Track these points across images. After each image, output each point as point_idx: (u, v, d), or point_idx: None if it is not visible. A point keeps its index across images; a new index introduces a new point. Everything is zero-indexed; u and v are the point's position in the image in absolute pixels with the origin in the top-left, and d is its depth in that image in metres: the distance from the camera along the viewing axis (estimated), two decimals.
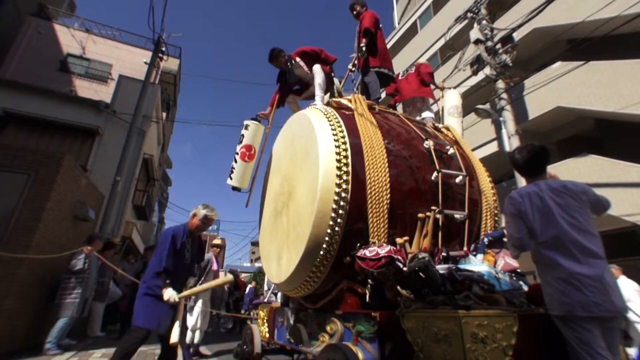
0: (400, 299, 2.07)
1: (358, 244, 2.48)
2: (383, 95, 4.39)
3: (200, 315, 4.97)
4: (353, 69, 4.31)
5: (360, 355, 2.06)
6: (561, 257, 1.77)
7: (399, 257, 2.21)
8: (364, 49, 3.93)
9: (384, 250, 2.24)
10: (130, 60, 13.39)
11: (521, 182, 6.43)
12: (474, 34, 8.35)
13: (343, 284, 2.65)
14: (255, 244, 47.93)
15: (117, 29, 14.60)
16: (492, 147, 9.95)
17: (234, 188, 3.90)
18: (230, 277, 2.89)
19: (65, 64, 12.40)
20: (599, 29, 6.59)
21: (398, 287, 2.16)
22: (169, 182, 25.88)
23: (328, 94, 3.97)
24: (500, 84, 7.94)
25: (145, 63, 10.91)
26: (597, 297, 1.66)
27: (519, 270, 2.58)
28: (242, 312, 10.66)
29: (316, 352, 2.50)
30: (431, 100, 4.60)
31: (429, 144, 3.07)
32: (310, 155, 2.85)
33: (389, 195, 2.60)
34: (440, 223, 2.73)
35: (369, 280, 2.36)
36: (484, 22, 8.43)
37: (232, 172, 3.88)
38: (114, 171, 8.53)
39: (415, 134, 3.23)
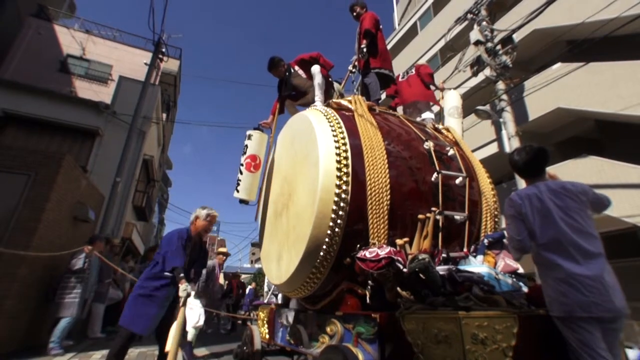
0: (400, 300, 2.07)
1: (358, 245, 2.47)
2: (383, 96, 4.39)
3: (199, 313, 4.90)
4: (353, 70, 4.32)
5: (360, 356, 2.06)
6: (560, 259, 1.77)
7: (399, 258, 2.21)
8: (364, 50, 3.93)
9: (384, 251, 2.23)
10: (130, 61, 13.39)
11: (521, 183, 6.43)
12: (474, 35, 8.35)
13: (343, 285, 2.65)
14: (255, 245, 47.95)
15: (117, 29, 14.65)
16: (492, 148, 9.94)
17: (242, 201, 3.79)
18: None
19: (65, 65, 12.40)
20: (599, 30, 6.60)
21: (398, 289, 2.16)
22: (169, 183, 25.89)
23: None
24: (501, 85, 7.95)
25: (146, 64, 10.92)
26: (596, 297, 1.66)
27: (519, 271, 2.58)
28: (242, 313, 10.67)
29: (316, 353, 2.49)
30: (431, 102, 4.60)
31: (429, 145, 3.07)
32: (310, 156, 2.85)
33: (389, 197, 2.60)
34: (440, 224, 2.72)
35: (369, 282, 2.35)
36: (484, 23, 8.44)
37: (238, 184, 3.77)
38: (114, 172, 8.53)
39: (415, 135, 3.23)
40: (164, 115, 13.98)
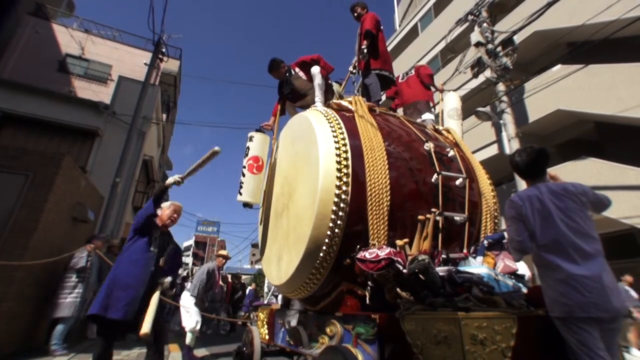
0: (400, 301, 2.07)
1: (358, 246, 2.48)
2: (383, 97, 4.39)
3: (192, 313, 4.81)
4: (354, 71, 4.32)
5: (359, 357, 2.06)
6: (560, 260, 1.77)
7: (399, 259, 2.21)
8: (365, 51, 3.93)
9: (384, 252, 2.24)
10: (130, 61, 13.35)
11: (521, 184, 6.44)
12: (475, 36, 8.38)
13: (343, 286, 2.65)
14: (255, 246, 47.89)
15: (116, 29, 14.61)
16: (492, 150, 9.96)
17: (246, 205, 3.69)
18: (217, 148, 2.88)
19: (64, 65, 12.33)
20: (599, 32, 6.61)
21: (398, 289, 2.16)
22: None
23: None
24: (501, 87, 7.97)
25: (145, 64, 10.88)
26: (595, 298, 1.67)
27: (518, 272, 2.59)
28: (242, 313, 10.65)
29: (316, 354, 2.49)
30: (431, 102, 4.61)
31: (429, 146, 3.08)
32: (310, 157, 2.85)
33: (389, 197, 2.60)
34: (440, 225, 2.73)
35: (369, 283, 2.36)
36: (485, 24, 8.46)
37: (241, 187, 3.65)
38: (113, 172, 8.50)
39: (415, 136, 3.23)
40: (164, 116, 13.96)
